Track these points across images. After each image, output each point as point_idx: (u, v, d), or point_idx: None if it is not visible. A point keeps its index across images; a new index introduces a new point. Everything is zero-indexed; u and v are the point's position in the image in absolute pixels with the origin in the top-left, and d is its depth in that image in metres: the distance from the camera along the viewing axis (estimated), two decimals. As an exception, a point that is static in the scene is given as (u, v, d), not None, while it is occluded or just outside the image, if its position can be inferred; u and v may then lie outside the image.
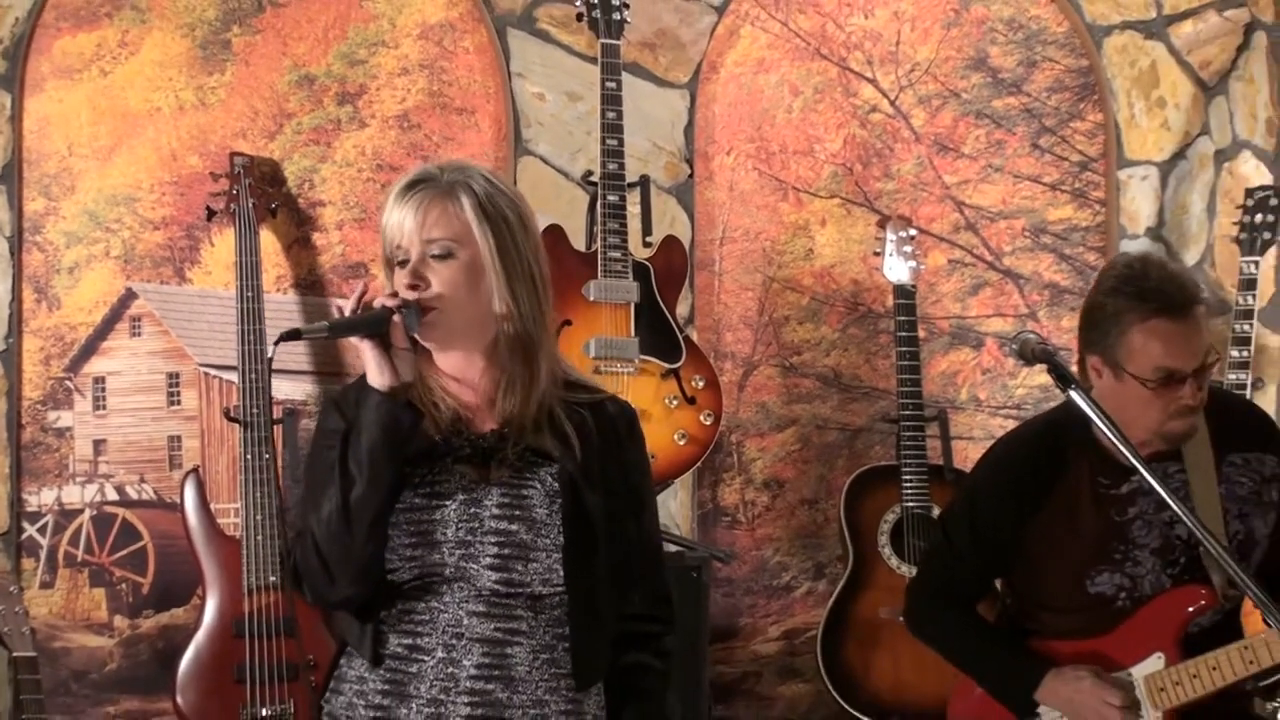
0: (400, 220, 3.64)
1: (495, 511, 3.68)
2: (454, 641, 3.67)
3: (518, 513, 3.69)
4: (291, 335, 3.65)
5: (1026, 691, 4.64)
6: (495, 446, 3.71)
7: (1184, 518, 3.93)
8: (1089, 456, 4.58)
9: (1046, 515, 4.54)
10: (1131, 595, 4.57)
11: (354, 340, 3.61)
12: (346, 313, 3.65)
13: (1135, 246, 7.26)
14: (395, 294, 3.62)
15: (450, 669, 3.66)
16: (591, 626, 3.74)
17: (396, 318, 3.57)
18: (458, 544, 3.67)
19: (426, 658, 3.68)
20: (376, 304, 3.60)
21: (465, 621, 3.67)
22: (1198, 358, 4.40)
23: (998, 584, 4.95)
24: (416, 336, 3.63)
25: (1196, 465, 4.55)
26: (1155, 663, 4.54)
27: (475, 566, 3.67)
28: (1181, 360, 4.38)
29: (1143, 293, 4.40)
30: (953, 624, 4.86)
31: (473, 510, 3.68)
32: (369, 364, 3.60)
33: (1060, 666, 4.59)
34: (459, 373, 3.74)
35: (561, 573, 3.69)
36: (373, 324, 3.59)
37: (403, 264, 3.64)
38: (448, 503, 3.68)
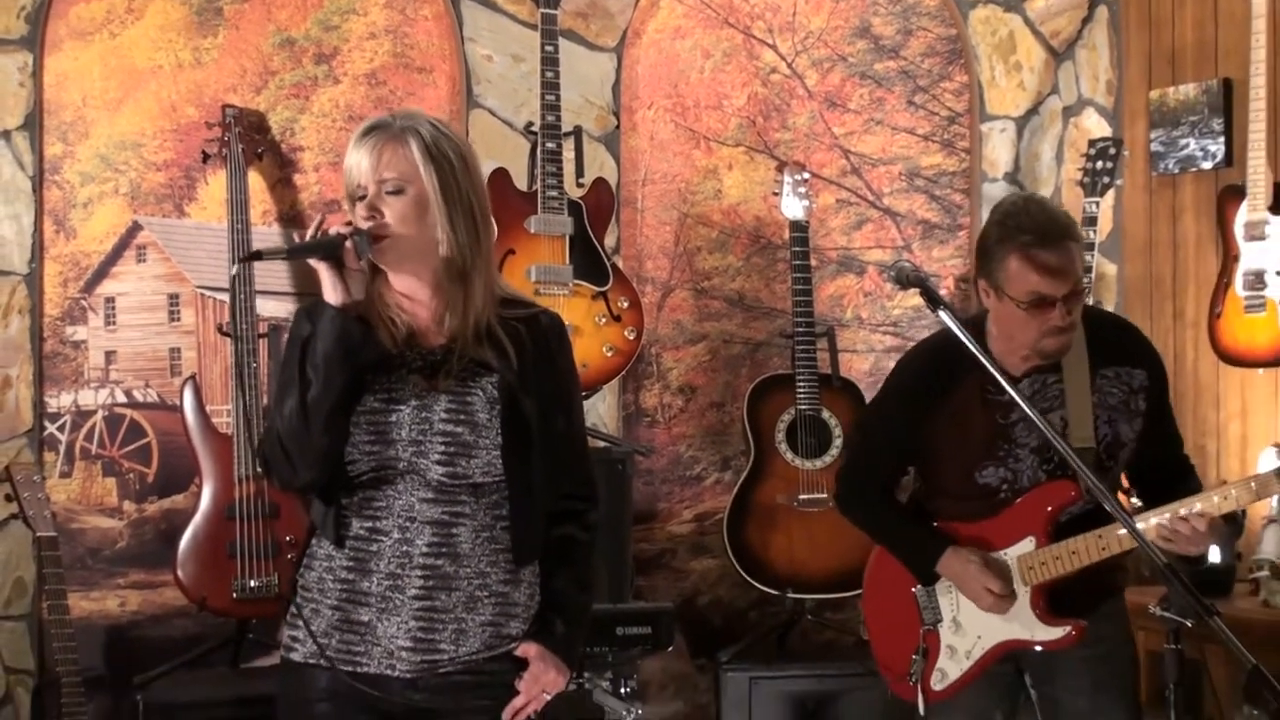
0: (358, 161, 3.64)
1: (443, 415, 3.70)
2: (407, 524, 3.69)
3: (462, 416, 3.70)
4: (254, 256, 3.66)
5: (930, 563, 4.68)
6: (443, 359, 3.72)
7: (1038, 422, 3.92)
8: (978, 366, 4.59)
9: (943, 416, 4.56)
10: (1013, 487, 4.59)
11: (311, 261, 3.61)
12: (306, 239, 3.66)
13: (995, 189, 7.26)
14: (349, 223, 3.63)
15: (405, 547, 3.68)
16: (528, 511, 3.77)
17: (348, 243, 3.56)
18: (410, 442, 3.69)
19: (384, 538, 3.70)
20: (331, 232, 3.60)
21: (417, 507, 3.69)
22: (1067, 285, 4.38)
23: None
24: (372, 259, 3.62)
25: (1072, 376, 4.56)
26: (1027, 545, 4.57)
27: (425, 461, 3.69)
28: (1051, 287, 4.37)
29: (1021, 226, 4.40)
30: (872, 506, 4.90)
31: (424, 414, 3.70)
32: (324, 282, 3.59)
33: (958, 545, 4.64)
34: (411, 293, 3.74)
35: (500, 466, 3.71)
36: (327, 247, 3.58)
37: (361, 199, 3.64)
38: (402, 407, 3.70)
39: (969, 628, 4.68)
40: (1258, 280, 6.29)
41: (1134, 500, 4.94)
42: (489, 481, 3.73)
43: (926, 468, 4.82)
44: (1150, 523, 4.36)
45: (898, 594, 4.81)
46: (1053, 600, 4.59)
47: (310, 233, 3.68)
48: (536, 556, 3.83)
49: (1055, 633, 4.58)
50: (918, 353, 4.86)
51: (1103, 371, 4.60)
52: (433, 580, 3.69)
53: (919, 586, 4.75)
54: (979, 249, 4.56)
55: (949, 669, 4.71)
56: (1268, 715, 5.84)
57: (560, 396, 3.86)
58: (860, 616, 5.16)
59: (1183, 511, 4.33)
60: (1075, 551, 4.48)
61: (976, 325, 4.65)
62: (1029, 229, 4.40)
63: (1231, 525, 5.96)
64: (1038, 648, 4.62)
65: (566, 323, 4.03)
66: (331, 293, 3.60)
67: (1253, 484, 4.34)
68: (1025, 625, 4.60)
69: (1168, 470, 4.70)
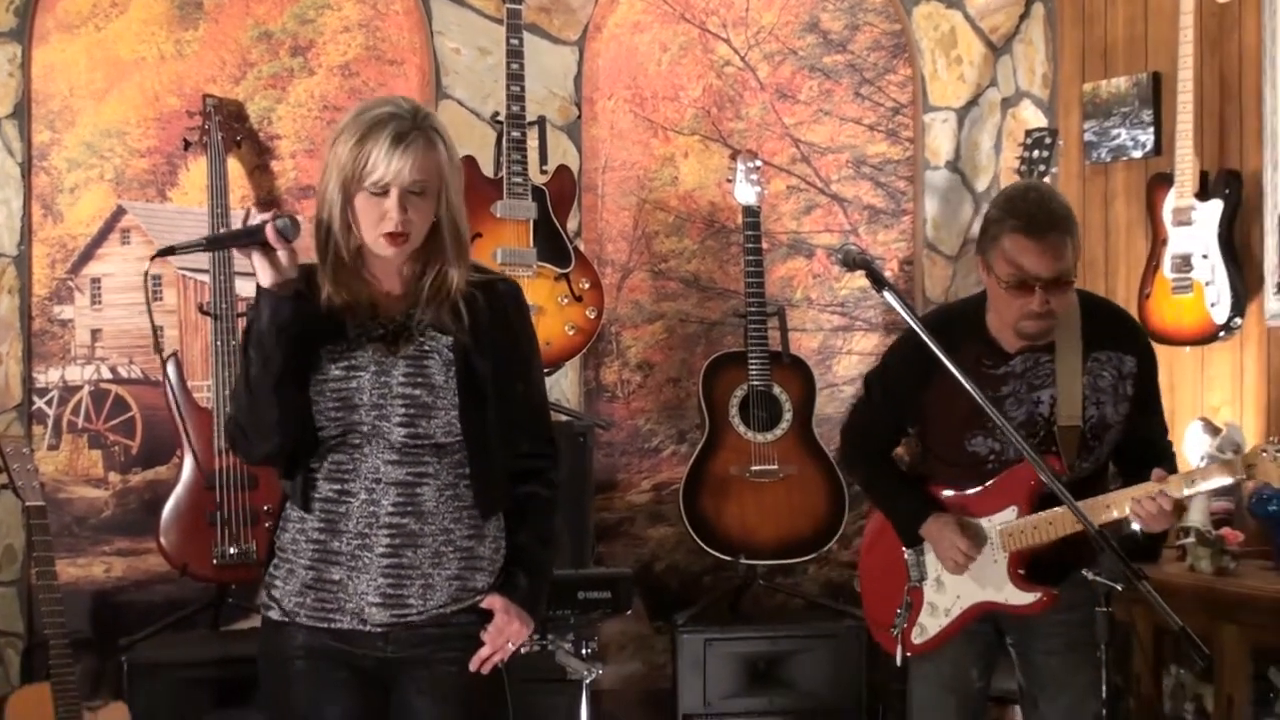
0: (395, 167, 3.58)
1: (401, 379, 3.72)
2: (374, 485, 3.71)
3: (420, 379, 3.72)
4: (166, 251, 3.65)
5: (914, 527, 4.71)
6: (403, 325, 3.75)
7: (984, 405, 4.00)
8: (977, 340, 4.60)
9: (939, 384, 4.47)
10: (1000, 458, 4.59)
11: (238, 251, 3.63)
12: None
13: (937, 177, 7.28)
14: (277, 214, 3.60)
15: (372, 508, 3.70)
16: (487, 467, 3.78)
17: (269, 229, 3.54)
18: (372, 406, 3.70)
19: (352, 500, 3.72)
20: (255, 220, 3.59)
21: (382, 469, 3.71)
22: (1049, 273, 4.38)
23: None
24: (383, 254, 3.66)
25: (1065, 357, 4.55)
26: (1009, 514, 4.58)
27: (387, 424, 3.70)
28: (1030, 272, 4.38)
29: (1015, 211, 4.40)
30: (869, 465, 4.93)
31: (383, 379, 3.71)
32: (256, 268, 3.59)
33: (941, 512, 4.66)
34: (392, 270, 3.76)
35: (459, 425, 3.73)
36: (247, 235, 3.59)
37: (378, 194, 3.62)
38: (362, 373, 3.72)
39: (950, 587, 4.71)
40: (1185, 263, 6.32)
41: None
42: (451, 441, 3.74)
43: (922, 432, 4.83)
44: (1127, 509, 4.38)
45: (891, 552, 4.84)
46: (1031, 567, 4.61)
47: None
48: (500, 509, 3.84)
49: (1027, 598, 4.59)
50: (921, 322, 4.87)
51: (1095, 355, 4.59)
52: (399, 538, 3.71)
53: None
54: (982, 224, 4.58)
55: (929, 624, 4.75)
56: (1192, 674, 5.88)
57: (517, 359, 3.87)
58: (855, 571, 5.22)
59: (1153, 493, 4.34)
60: (1051, 522, 4.48)
61: (979, 300, 4.68)
62: (1022, 214, 4.40)
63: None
64: (1012, 611, 4.65)
65: (531, 303, 4.04)
66: (262, 275, 3.60)
67: (1230, 472, 4.35)
68: (1001, 589, 4.62)
69: (1149, 454, 4.69)
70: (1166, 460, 4.73)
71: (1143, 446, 4.68)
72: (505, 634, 3.79)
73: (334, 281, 3.72)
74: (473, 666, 3.77)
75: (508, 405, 3.81)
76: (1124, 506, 4.35)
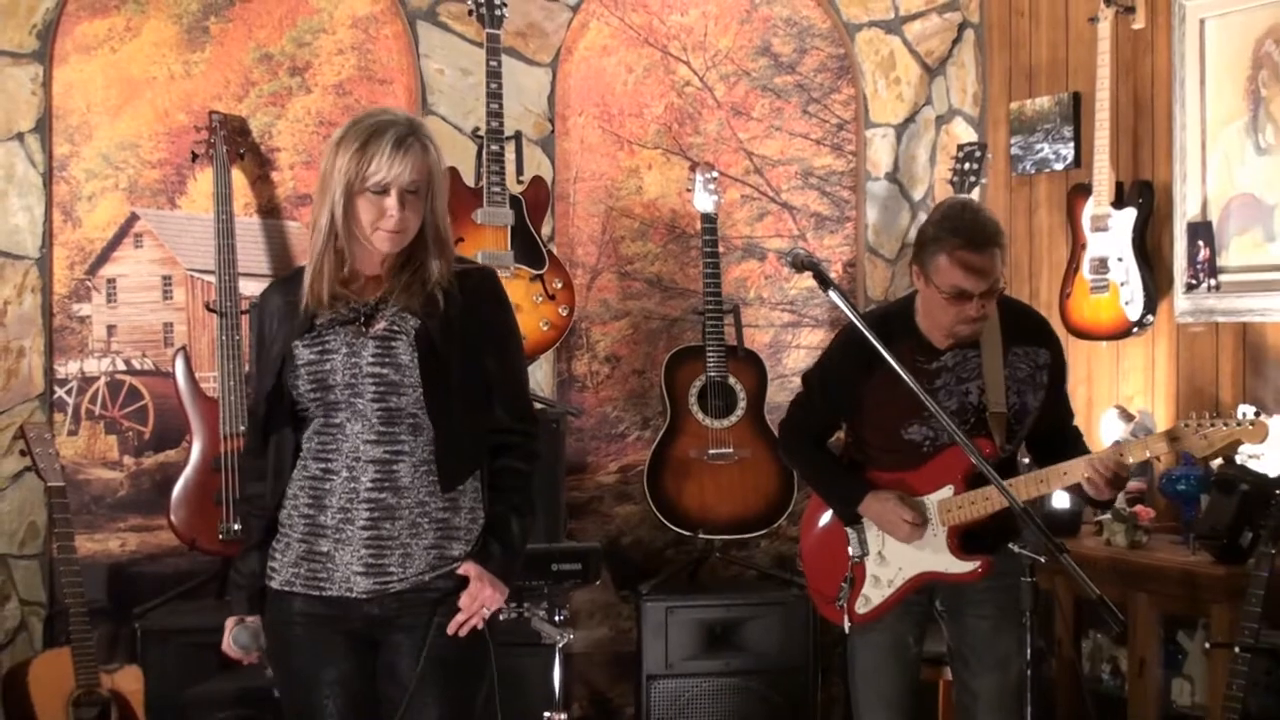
0: (400, 170, 3.67)
1: (370, 359, 3.75)
2: (354, 464, 3.75)
3: (387, 359, 3.75)
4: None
5: (853, 505, 4.74)
6: (374, 309, 3.79)
7: (919, 393, 4.05)
8: (910, 339, 4.63)
9: (876, 379, 4.52)
10: (934, 443, 4.63)
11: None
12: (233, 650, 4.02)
13: (878, 187, 7.32)
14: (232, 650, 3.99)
15: (353, 484, 3.74)
16: (451, 442, 3.80)
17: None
18: (345, 385, 3.75)
19: (335, 477, 3.76)
20: (235, 651, 3.98)
21: (361, 448, 3.75)
22: (985, 284, 4.43)
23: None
24: (384, 248, 3.76)
25: (989, 352, 4.60)
26: (946, 492, 4.62)
27: (361, 401, 3.74)
28: (970, 284, 4.42)
29: (955, 229, 4.45)
30: (808, 454, 4.95)
31: (353, 360, 3.75)
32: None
33: (879, 490, 4.70)
34: (375, 262, 3.82)
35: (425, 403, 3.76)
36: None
37: (378, 192, 3.69)
38: (334, 356, 3.76)
39: (892, 560, 4.73)
40: (1102, 266, 6.36)
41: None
42: (424, 419, 3.78)
43: (859, 423, 4.82)
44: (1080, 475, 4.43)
45: (832, 531, 4.87)
46: (966, 539, 4.64)
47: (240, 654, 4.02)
48: (463, 480, 3.84)
49: (966, 566, 4.63)
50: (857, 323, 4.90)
51: (1014, 349, 4.65)
52: (378, 512, 3.74)
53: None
54: (918, 239, 4.60)
55: (873, 595, 4.77)
56: (1109, 638, 5.93)
57: (491, 339, 3.89)
58: (797, 550, 5.24)
59: (1109, 460, 4.39)
60: (988, 498, 4.53)
61: (908, 302, 4.73)
62: (961, 232, 4.45)
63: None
64: (951, 579, 4.69)
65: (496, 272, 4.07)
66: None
67: (1164, 442, 4.40)
68: (941, 559, 4.66)
69: (1060, 436, 4.76)
70: (1078, 440, 4.81)
71: (1054, 430, 4.76)
72: (479, 599, 3.81)
73: (327, 278, 3.76)
74: (450, 630, 3.80)
75: (475, 385, 3.83)
76: (1080, 473, 4.40)
